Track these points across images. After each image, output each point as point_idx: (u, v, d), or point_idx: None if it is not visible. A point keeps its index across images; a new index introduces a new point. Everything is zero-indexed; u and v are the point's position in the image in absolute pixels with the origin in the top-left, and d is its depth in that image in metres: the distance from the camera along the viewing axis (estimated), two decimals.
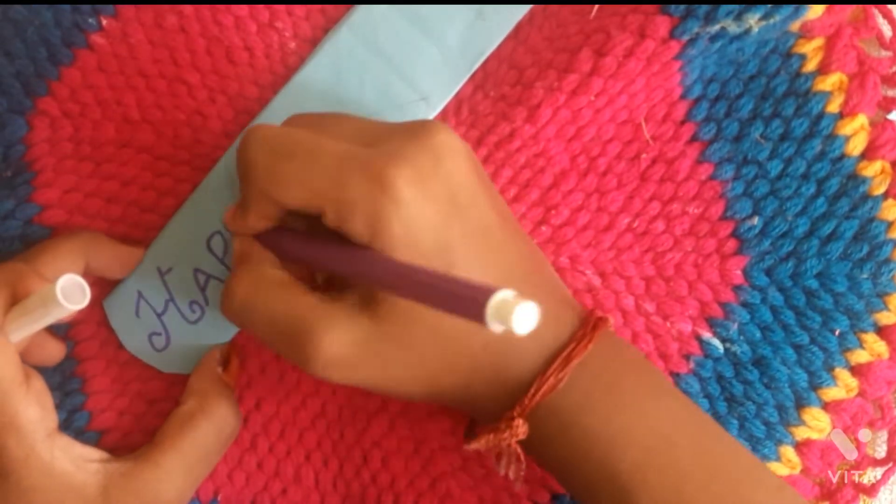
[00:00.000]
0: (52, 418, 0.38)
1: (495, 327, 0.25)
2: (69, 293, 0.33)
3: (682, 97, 0.43)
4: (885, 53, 0.43)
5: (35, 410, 0.36)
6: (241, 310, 0.37)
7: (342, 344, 0.34)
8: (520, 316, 0.25)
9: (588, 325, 0.36)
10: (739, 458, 0.37)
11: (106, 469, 0.38)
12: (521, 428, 0.35)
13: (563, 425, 0.36)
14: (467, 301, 0.26)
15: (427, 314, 0.33)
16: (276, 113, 0.43)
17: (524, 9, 0.42)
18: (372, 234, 0.33)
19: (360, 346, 0.34)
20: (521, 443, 0.36)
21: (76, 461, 0.38)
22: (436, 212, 0.34)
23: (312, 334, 0.34)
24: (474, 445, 0.37)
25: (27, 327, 0.36)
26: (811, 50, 0.43)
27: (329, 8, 0.43)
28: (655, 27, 0.41)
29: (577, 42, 0.42)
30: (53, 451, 0.37)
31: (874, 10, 0.43)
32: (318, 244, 0.36)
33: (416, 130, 0.35)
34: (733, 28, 0.41)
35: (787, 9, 0.40)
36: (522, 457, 0.36)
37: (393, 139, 0.35)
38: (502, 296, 0.25)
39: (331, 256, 0.35)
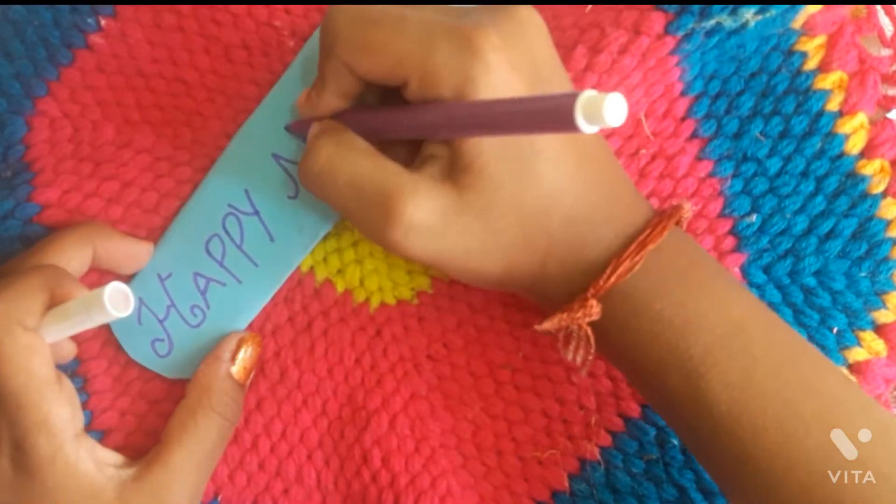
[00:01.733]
0: (80, 419, 0.38)
1: (587, 127, 0.25)
2: (114, 300, 0.34)
3: (683, 93, 0.43)
4: (885, 52, 0.43)
5: (66, 410, 0.37)
6: (322, 171, 0.36)
7: (427, 210, 0.34)
8: (610, 108, 0.25)
9: (663, 214, 0.37)
10: (808, 351, 0.37)
11: (119, 474, 0.38)
12: (594, 308, 0.35)
13: (635, 309, 0.36)
14: (556, 110, 0.26)
15: (510, 186, 0.34)
16: (272, 110, 0.43)
17: None
18: (458, 98, 0.33)
19: (443, 214, 0.34)
20: (589, 328, 0.36)
21: (98, 464, 0.38)
22: (520, 80, 0.34)
23: (398, 198, 0.34)
24: (546, 325, 0.37)
25: (64, 331, 0.37)
26: (813, 48, 0.43)
27: (327, 6, 0.43)
28: (650, 23, 0.41)
29: (572, 38, 0.42)
30: (79, 452, 0.37)
31: (877, 7, 0.43)
32: (398, 113, 0.36)
33: (499, 6, 0.35)
34: (729, 23, 0.41)
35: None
36: (592, 340, 0.36)
37: (477, 12, 0.35)
38: (588, 94, 0.25)
39: (413, 122, 0.35)
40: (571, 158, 0.35)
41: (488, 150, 0.34)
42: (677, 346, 0.35)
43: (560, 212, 0.35)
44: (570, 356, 0.37)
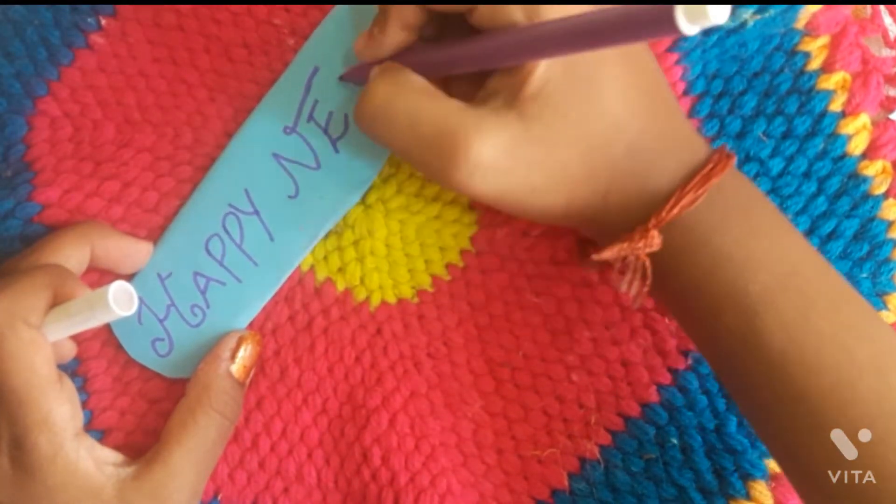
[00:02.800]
0: (80, 418, 0.38)
1: (688, 28, 0.24)
2: (118, 298, 0.34)
3: (686, 93, 0.43)
4: (889, 52, 0.43)
5: (67, 409, 0.37)
6: (379, 112, 0.36)
7: (492, 146, 0.34)
8: (714, 5, 0.24)
9: (722, 153, 0.36)
10: (859, 298, 0.36)
11: (119, 473, 0.38)
12: (655, 239, 0.35)
13: (694, 243, 0.36)
14: (653, 11, 0.25)
15: (576, 115, 0.33)
16: (269, 113, 0.43)
17: None
18: (530, 20, 0.33)
19: (508, 149, 0.34)
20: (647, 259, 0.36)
21: (97, 463, 0.38)
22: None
23: (461, 137, 0.33)
24: (606, 254, 0.36)
25: (67, 329, 0.37)
26: (816, 48, 0.43)
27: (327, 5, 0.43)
28: None
29: None
30: (79, 451, 0.37)
31: (881, 8, 0.42)
32: (464, 44, 0.35)
33: None
34: (727, 22, 0.40)
35: None
36: (649, 271, 0.36)
37: None
38: None
39: (482, 50, 0.34)
40: (636, 88, 0.35)
41: (555, 77, 0.34)
42: (735, 283, 0.35)
43: (624, 141, 0.35)
44: (624, 288, 0.37)
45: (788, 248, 0.36)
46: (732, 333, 0.35)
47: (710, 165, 0.35)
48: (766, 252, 0.35)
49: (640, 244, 0.35)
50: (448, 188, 0.34)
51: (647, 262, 0.36)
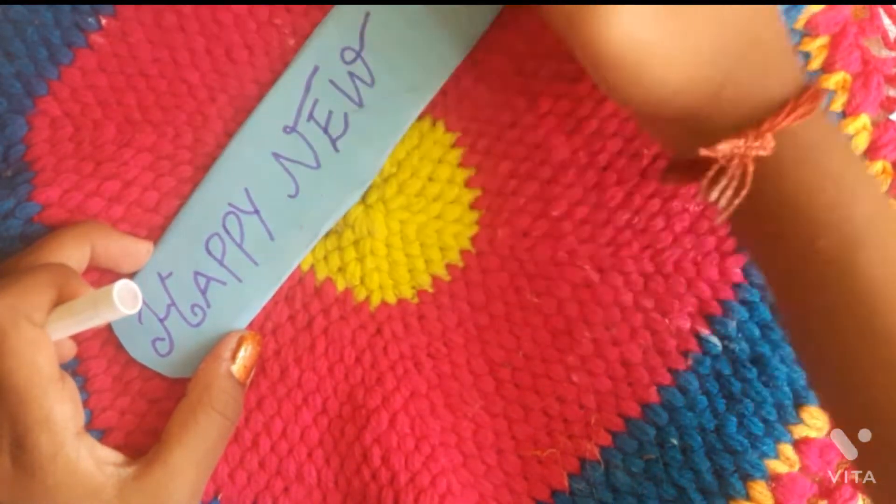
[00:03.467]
0: (81, 417, 0.38)
1: None
2: (123, 297, 0.34)
3: None
4: (888, 53, 0.43)
5: (69, 408, 0.37)
6: None
7: (635, 9, 0.32)
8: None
9: (819, 81, 0.36)
10: None
11: (119, 473, 0.38)
12: (769, 142, 0.34)
13: (801, 158, 0.34)
14: None
15: None
16: (269, 112, 0.43)
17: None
18: None
19: (652, 12, 0.32)
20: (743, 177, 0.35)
21: (98, 463, 0.38)
22: None
23: None
24: (721, 147, 0.34)
25: (70, 328, 0.37)
26: (816, 48, 0.43)
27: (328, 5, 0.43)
28: None
29: None
30: (80, 451, 0.37)
31: (880, 9, 0.42)
32: None
33: None
34: None
35: None
36: (749, 179, 0.34)
37: None
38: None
39: None
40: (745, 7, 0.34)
41: None
42: (839, 206, 0.33)
43: (752, 31, 0.34)
44: (714, 195, 0.35)
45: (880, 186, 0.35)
46: (825, 260, 0.34)
47: (818, 84, 0.35)
48: (869, 182, 0.34)
49: (756, 143, 0.34)
50: (575, 38, 0.33)
51: (751, 168, 0.34)
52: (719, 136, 0.34)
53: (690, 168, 0.36)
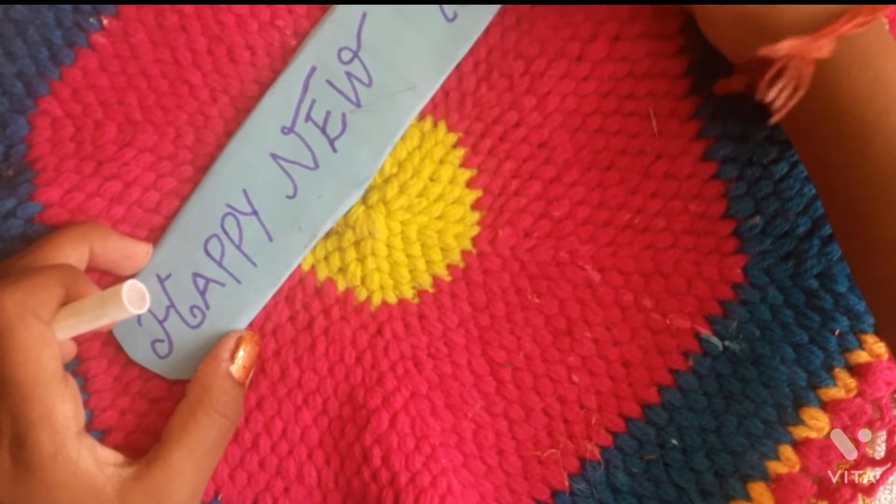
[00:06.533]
0: (82, 417, 0.38)
1: None
2: (131, 297, 0.34)
3: (691, 92, 0.43)
4: None
5: (70, 407, 0.37)
6: None
7: None
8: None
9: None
10: None
11: (119, 473, 0.38)
12: (829, 45, 0.35)
13: (858, 63, 0.35)
14: None
15: None
16: (267, 113, 0.43)
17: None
18: None
19: None
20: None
21: (98, 463, 0.38)
22: None
23: None
24: (785, 44, 0.35)
25: (76, 327, 0.37)
26: None
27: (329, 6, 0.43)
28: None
29: (589, 30, 0.42)
30: (80, 450, 0.37)
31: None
32: None
33: None
34: None
35: None
36: (807, 80, 0.36)
37: None
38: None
39: None
40: None
41: None
42: (892, 112, 0.35)
43: None
44: (771, 95, 0.36)
45: None
46: (879, 165, 0.35)
47: None
48: None
49: (818, 44, 0.35)
50: None
51: (810, 70, 0.35)
52: (780, 37, 0.35)
53: (749, 71, 0.38)
